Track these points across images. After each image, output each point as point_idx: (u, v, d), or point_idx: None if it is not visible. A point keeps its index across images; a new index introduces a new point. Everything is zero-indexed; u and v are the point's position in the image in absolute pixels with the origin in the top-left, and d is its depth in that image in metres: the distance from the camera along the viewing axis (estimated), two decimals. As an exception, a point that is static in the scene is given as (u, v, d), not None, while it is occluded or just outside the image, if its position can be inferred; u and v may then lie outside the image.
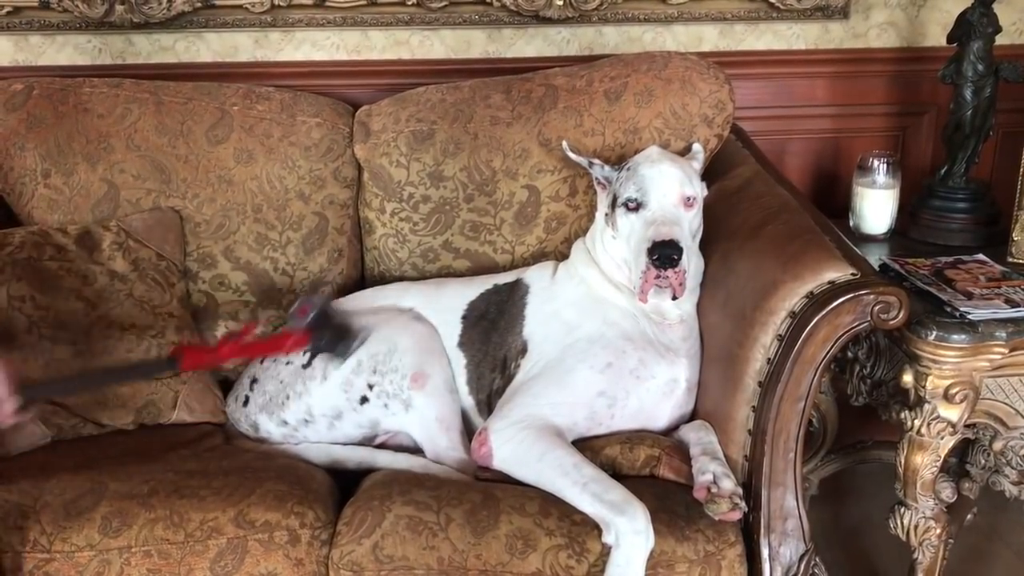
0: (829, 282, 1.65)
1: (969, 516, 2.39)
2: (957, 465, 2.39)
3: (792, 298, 1.66)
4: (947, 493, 1.91)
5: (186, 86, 2.23)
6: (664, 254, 1.74)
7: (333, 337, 1.76)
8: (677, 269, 1.76)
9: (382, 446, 1.95)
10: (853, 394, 2.12)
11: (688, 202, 1.86)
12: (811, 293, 1.65)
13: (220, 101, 2.20)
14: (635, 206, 1.84)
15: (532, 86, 2.21)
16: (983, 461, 2.33)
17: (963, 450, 2.36)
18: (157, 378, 1.97)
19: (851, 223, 2.28)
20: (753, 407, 1.70)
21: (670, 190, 1.84)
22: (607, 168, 1.97)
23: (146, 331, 2.00)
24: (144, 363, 1.96)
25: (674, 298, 1.82)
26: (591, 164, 2.00)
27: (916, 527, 1.89)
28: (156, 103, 2.17)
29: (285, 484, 1.71)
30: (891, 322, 1.64)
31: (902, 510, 1.89)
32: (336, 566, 1.62)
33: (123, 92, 2.20)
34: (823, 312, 1.62)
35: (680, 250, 1.75)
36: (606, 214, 1.93)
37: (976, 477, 2.35)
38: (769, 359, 1.67)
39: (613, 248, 1.92)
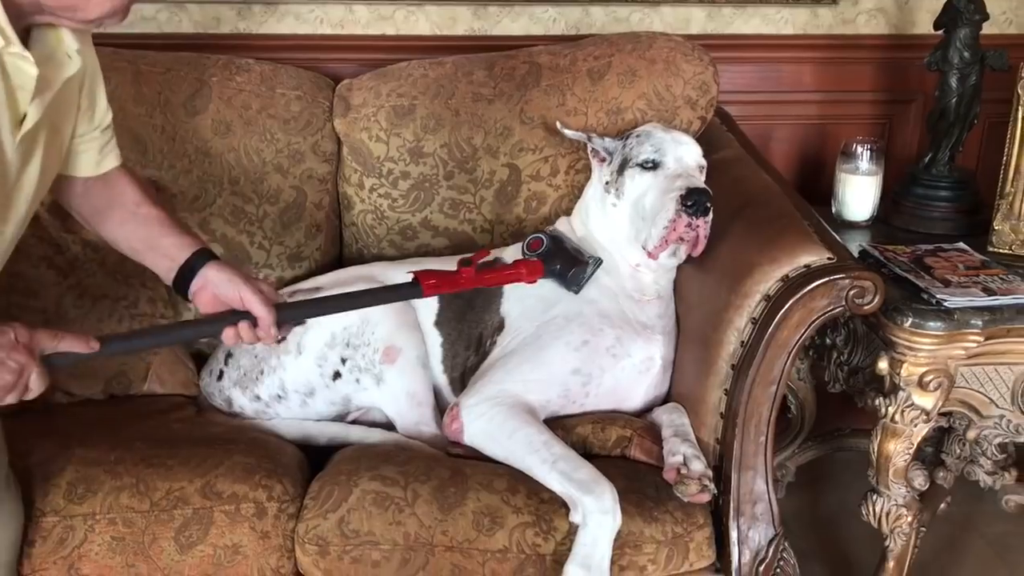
0: (805, 266, 1.64)
1: (943, 505, 2.38)
2: (933, 454, 2.39)
3: (767, 281, 1.65)
4: (919, 481, 1.91)
5: (166, 56, 2.19)
6: (700, 200, 1.75)
7: (566, 264, 1.85)
8: (707, 219, 1.77)
9: (354, 423, 1.95)
10: (830, 380, 2.11)
11: (701, 170, 1.90)
12: (786, 276, 1.64)
13: (199, 72, 2.16)
14: (652, 165, 1.86)
15: (515, 63, 2.18)
16: (959, 451, 2.33)
17: (939, 439, 2.36)
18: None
19: (833, 209, 2.26)
20: (726, 390, 1.69)
21: (686, 154, 1.88)
22: (607, 140, 1.98)
23: (119, 301, 1.99)
24: (371, 291, 1.74)
25: (688, 258, 1.83)
26: (590, 138, 2.00)
27: (888, 514, 1.88)
28: (134, 72, 2.13)
29: (254, 457, 1.70)
30: (866, 307, 1.63)
31: (874, 497, 1.89)
32: (301, 540, 1.61)
33: (101, 60, 2.15)
34: (797, 295, 1.61)
35: (712, 198, 1.77)
36: (607, 182, 1.94)
37: (951, 466, 2.36)
38: (743, 342, 1.66)
39: (614, 216, 1.91)
